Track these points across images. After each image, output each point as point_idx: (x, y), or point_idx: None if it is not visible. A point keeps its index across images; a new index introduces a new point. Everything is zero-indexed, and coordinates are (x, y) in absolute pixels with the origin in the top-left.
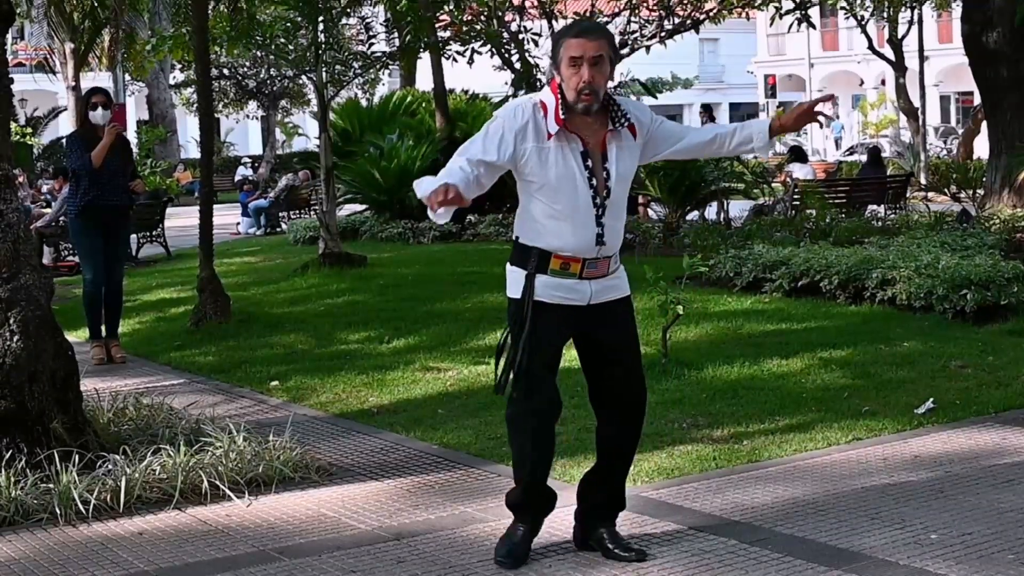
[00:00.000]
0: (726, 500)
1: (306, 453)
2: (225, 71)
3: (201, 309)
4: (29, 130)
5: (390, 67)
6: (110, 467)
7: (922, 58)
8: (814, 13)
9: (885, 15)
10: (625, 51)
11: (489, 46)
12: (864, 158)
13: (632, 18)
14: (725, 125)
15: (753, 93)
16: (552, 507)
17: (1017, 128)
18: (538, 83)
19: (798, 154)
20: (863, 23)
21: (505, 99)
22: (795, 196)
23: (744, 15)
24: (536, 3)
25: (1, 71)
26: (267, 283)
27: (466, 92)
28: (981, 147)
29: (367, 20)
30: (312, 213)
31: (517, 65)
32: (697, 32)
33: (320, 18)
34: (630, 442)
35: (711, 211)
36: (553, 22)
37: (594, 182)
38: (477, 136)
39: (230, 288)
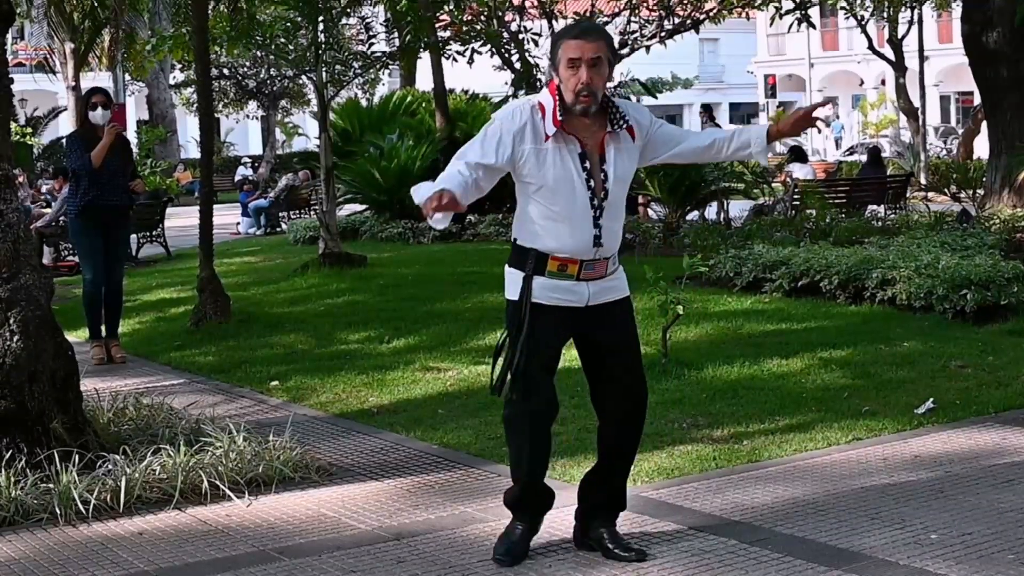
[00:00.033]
0: (726, 500)
1: (306, 453)
2: (225, 71)
3: (201, 309)
4: (29, 130)
5: (390, 67)
6: (110, 467)
7: (922, 58)
8: (814, 13)
9: (885, 15)
10: (625, 51)
11: (489, 46)
12: (864, 158)
13: (632, 18)
14: (723, 130)
15: (753, 93)
16: (550, 506)
17: (1017, 128)
18: (538, 83)
19: (798, 154)
20: (863, 23)
21: (505, 99)
22: (795, 196)
23: (744, 15)
24: (536, 3)
25: (1, 71)
26: (267, 283)
27: (466, 92)
28: (981, 147)
29: (367, 20)
30: (312, 213)
31: (517, 65)
32: (697, 32)
33: (320, 18)
34: (631, 442)
35: (711, 211)
36: (553, 22)
37: (592, 184)
38: (475, 139)
39: (230, 288)
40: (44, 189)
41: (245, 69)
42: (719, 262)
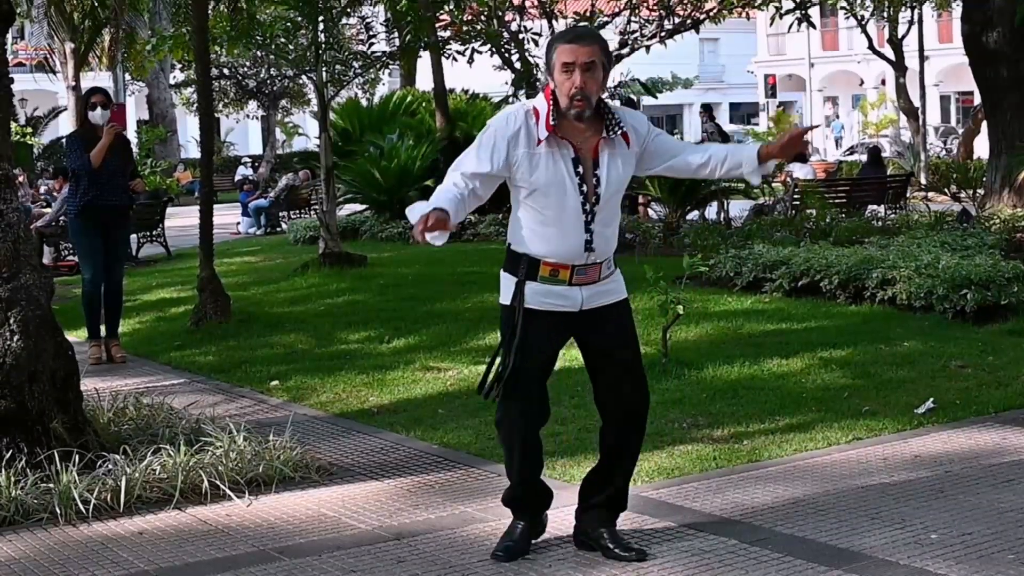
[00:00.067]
0: (726, 500)
1: (306, 453)
2: (225, 71)
3: (201, 309)
4: (29, 130)
5: (390, 67)
6: (110, 467)
7: (922, 58)
8: (814, 13)
9: (885, 15)
10: (625, 51)
11: (489, 46)
12: (864, 158)
13: (632, 18)
14: (719, 147)
15: (753, 93)
16: (547, 503)
17: (1017, 128)
18: (538, 83)
19: (798, 154)
20: (863, 23)
21: (505, 99)
22: (795, 196)
23: (744, 15)
24: (536, 3)
25: (1, 71)
26: (267, 283)
27: (466, 92)
28: (981, 147)
29: (367, 20)
30: (312, 213)
31: (517, 65)
32: (697, 32)
33: (320, 18)
34: (632, 444)
35: (711, 211)
36: (553, 22)
37: (584, 188)
38: (471, 148)
39: (230, 288)
40: (43, 190)
41: (245, 69)
42: (719, 262)
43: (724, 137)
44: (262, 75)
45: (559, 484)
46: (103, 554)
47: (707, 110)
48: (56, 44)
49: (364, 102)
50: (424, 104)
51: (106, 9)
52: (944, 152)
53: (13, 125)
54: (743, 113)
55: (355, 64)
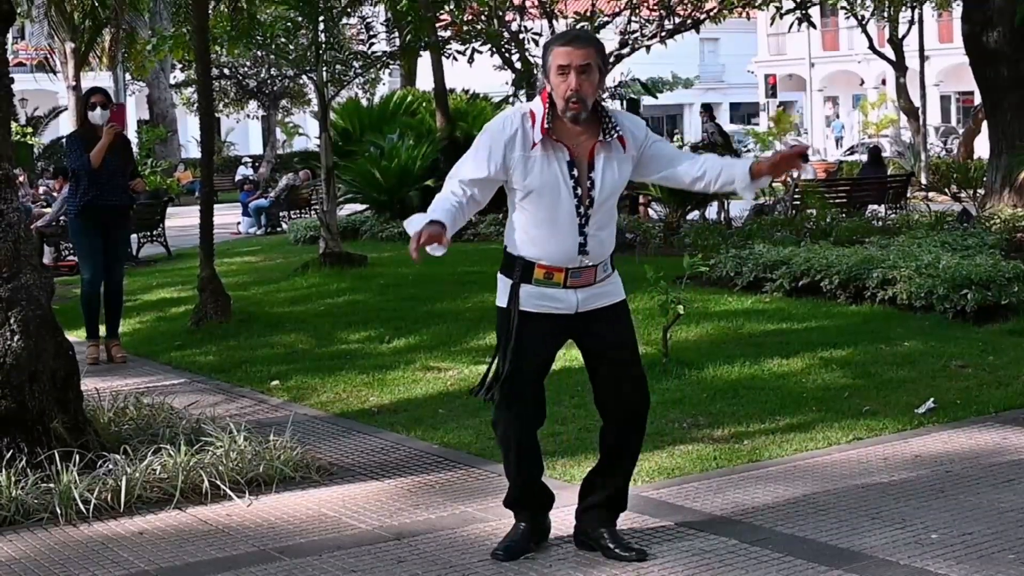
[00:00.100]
0: (726, 500)
1: (307, 453)
2: (226, 71)
3: (202, 309)
4: (30, 130)
5: (390, 67)
6: (110, 467)
7: (922, 58)
8: (814, 13)
9: (885, 15)
10: (625, 51)
11: (489, 46)
12: (864, 158)
13: (632, 18)
14: (715, 161)
15: (753, 93)
16: (549, 504)
17: (1017, 128)
18: (537, 83)
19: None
20: (863, 23)
21: (505, 99)
22: (795, 196)
23: (744, 15)
24: (536, 3)
25: (1, 71)
26: (267, 283)
27: (466, 92)
28: (981, 147)
29: (367, 20)
30: (312, 213)
31: (517, 65)
32: (697, 32)
33: (320, 18)
34: (632, 444)
35: (711, 211)
36: (553, 22)
37: (578, 191)
38: (468, 154)
39: (231, 288)
40: (41, 190)
41: (245, 69)
42: (719, 262)
43: (725, 137)
44: (262, 75)
45: (559, 484)
46: (103, 554)
47: (707, 110)
48: (56, 44)
49: (364, 102)
50: (424, 104)
51: (106, 9)
52: (944, 152)
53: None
54: (743, 113)
55: (355, 64)
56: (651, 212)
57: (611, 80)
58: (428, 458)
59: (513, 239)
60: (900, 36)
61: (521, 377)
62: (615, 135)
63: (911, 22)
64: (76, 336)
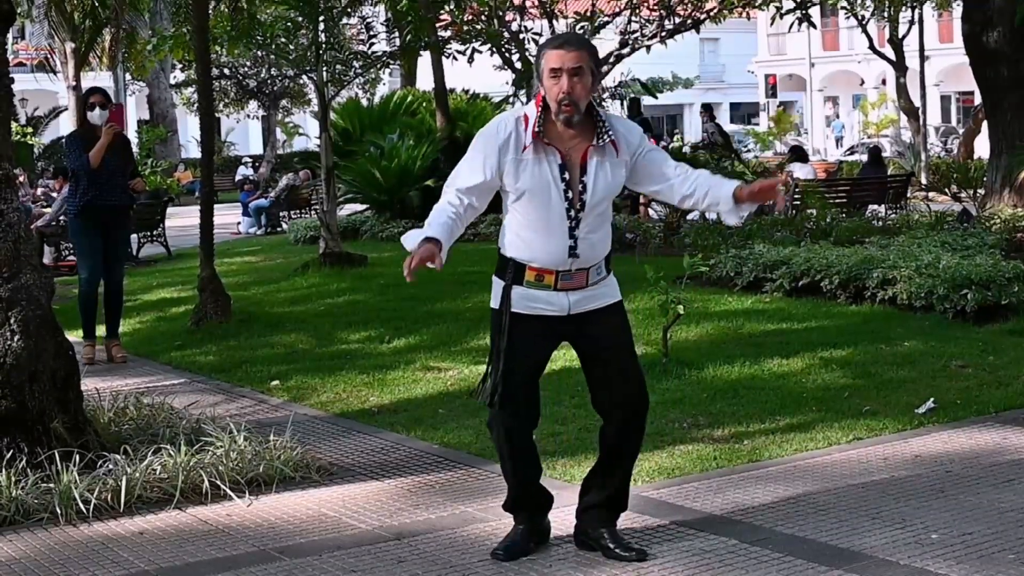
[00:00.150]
0: (726, 500)
1: (307, 453)
2: (226, 71)
3: (202, 309)
4: (30, 130)
5: (390, 67)
6: (111, 467)
7: (923, 58)
8: (815, 13)
9: (886, 15)
10: (625, 51)
11: (489, 45)
12: (865, 158)
13: (632, 18)
14: (704, 179)
15: (754, 93)
16: (547, 506)
17: (1017, 128)
18: (533, 86)
19: (799, 154)
20: (864, 23)
21: (505, 99)
22: (795, 196)
23: (745, 15)
24: (536, 3)
25: (2, 71)
26: (268, 283)
27: (467, 92)
28: (982, 147)
29: (367, 20)
30: (313, 213)
31: (517, 65)
32: (697, 32)
33: (320, 18)
34: (631, 445)
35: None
36: (554, 22)
37: (569, 194)
38: (463, 161)
39: (231, 288)
40: (40, 191)
41: (246, 69)
42: (719, 262)
43: (725, 137)
44: (262, 75)
45: (559, 484)
46: (103, 554)
47: (707, 110)
48: (56, 44)
49: (364, 102)
50: (424, 104)
51: (107, 9)
52: (944, 152)
53: (13, 125)
54: (743, 113)
55: (355, 64)
56: (651, 212)
57: (611, 80)
58: (428, 458)
59: (505, 241)
60: (900, 36)
61: (513, 378)
62: (608, 139)
63: (911, 22)
64: (76, 336)
